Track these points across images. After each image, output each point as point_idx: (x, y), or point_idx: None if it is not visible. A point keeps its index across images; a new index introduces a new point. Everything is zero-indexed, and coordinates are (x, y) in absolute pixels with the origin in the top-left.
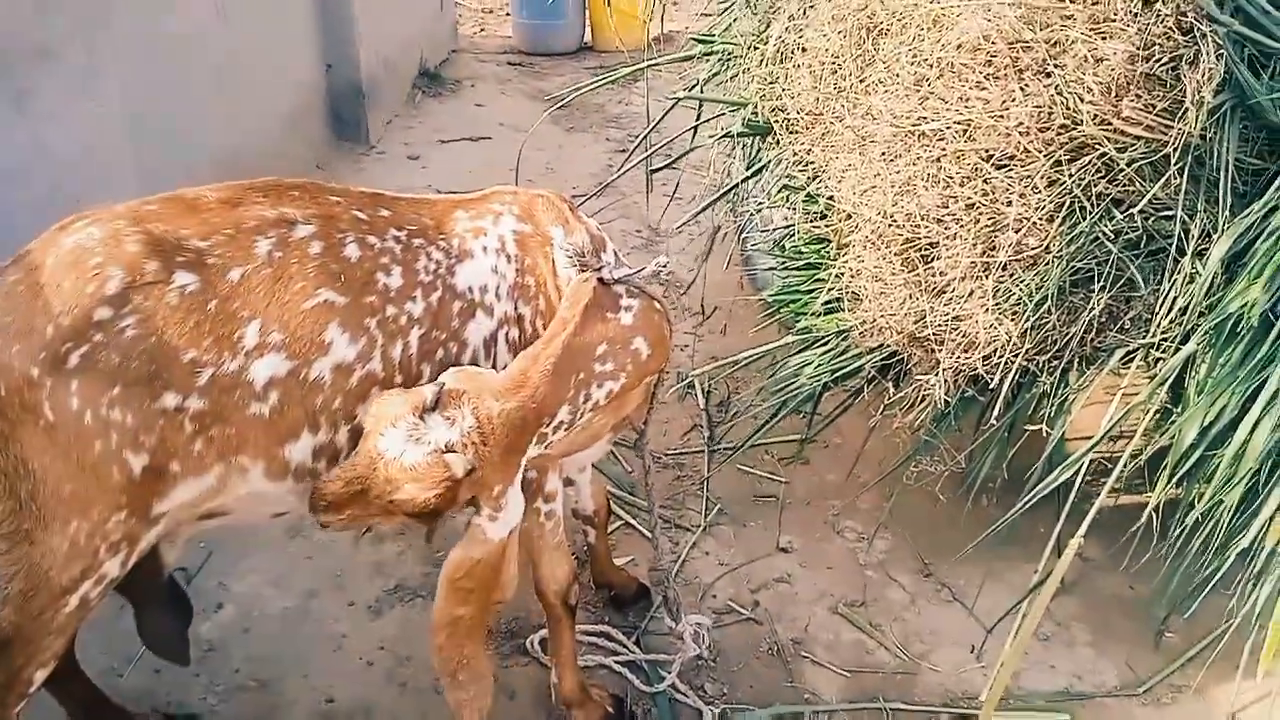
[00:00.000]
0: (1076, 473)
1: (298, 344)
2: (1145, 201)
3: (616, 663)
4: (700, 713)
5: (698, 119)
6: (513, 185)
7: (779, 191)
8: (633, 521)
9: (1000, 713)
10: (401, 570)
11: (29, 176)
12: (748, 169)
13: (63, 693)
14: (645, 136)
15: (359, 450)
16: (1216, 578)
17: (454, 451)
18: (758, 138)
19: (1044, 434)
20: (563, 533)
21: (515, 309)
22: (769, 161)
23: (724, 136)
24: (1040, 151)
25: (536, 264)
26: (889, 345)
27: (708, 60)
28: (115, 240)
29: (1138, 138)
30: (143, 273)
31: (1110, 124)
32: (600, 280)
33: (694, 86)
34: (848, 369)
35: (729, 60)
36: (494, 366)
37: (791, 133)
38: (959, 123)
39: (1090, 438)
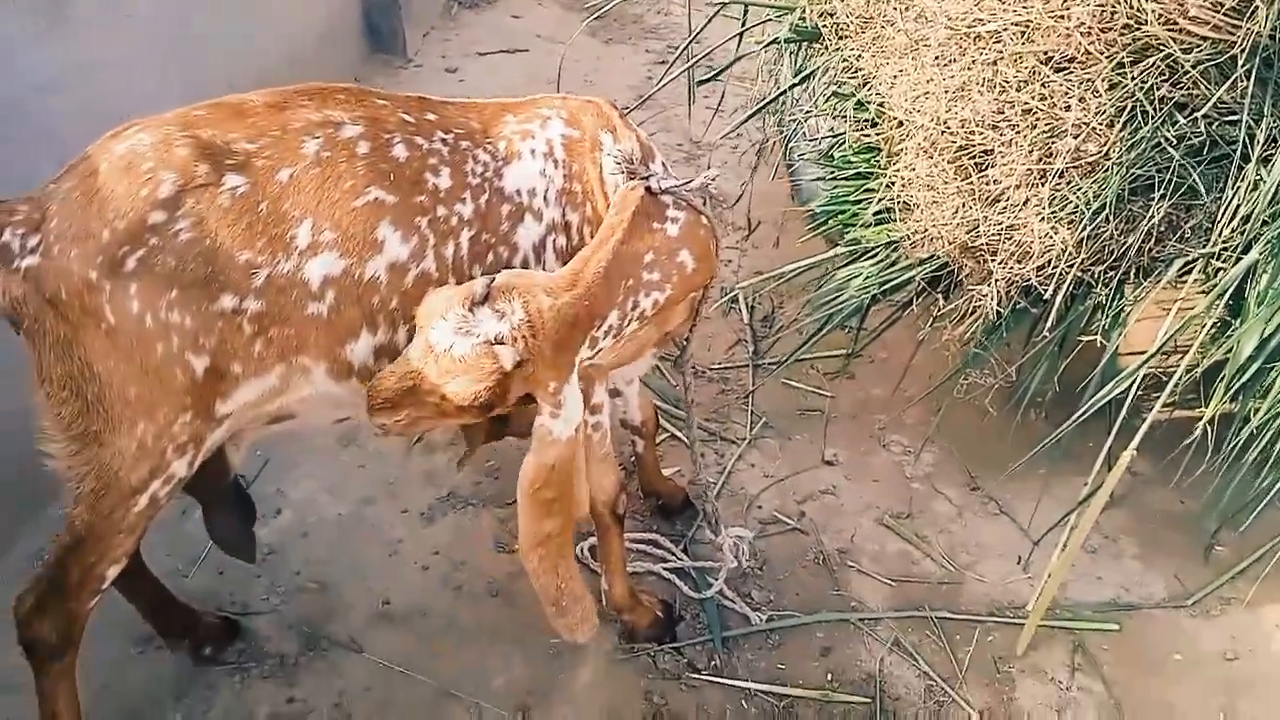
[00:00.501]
0: (1129, 387)
1: (350, 242)
2: (1210, 105)
3: (665, 569)
4: (747, 618)
5: (743, 25)
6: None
7: (827, 100)
8: (678, 434)
9: (1047, 622)
10: (453, 479)
11: (66, 87)
12: (795, 77)
13: (130, 590)
14: (686, 46)
15: (410, 346)
16: (1272, 492)
17: (503, 344)
18: (805, 44)
19: (1099, 346)
20: (610, 444)
21: (563, 215)
22: (817, 68)
23: (771, 43)
24: (1102, 53)
25: (584, 170)
26: (940, 256)
27: None
28: (166, 145)
29: (1204, 38)
30: (194, 176)
31: (1176, 23)
32: (648, 190)
33: None
34: (896, 281)
35: None
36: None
37: (841, 38)
38: (1017, 24)
39: (1143, 352)
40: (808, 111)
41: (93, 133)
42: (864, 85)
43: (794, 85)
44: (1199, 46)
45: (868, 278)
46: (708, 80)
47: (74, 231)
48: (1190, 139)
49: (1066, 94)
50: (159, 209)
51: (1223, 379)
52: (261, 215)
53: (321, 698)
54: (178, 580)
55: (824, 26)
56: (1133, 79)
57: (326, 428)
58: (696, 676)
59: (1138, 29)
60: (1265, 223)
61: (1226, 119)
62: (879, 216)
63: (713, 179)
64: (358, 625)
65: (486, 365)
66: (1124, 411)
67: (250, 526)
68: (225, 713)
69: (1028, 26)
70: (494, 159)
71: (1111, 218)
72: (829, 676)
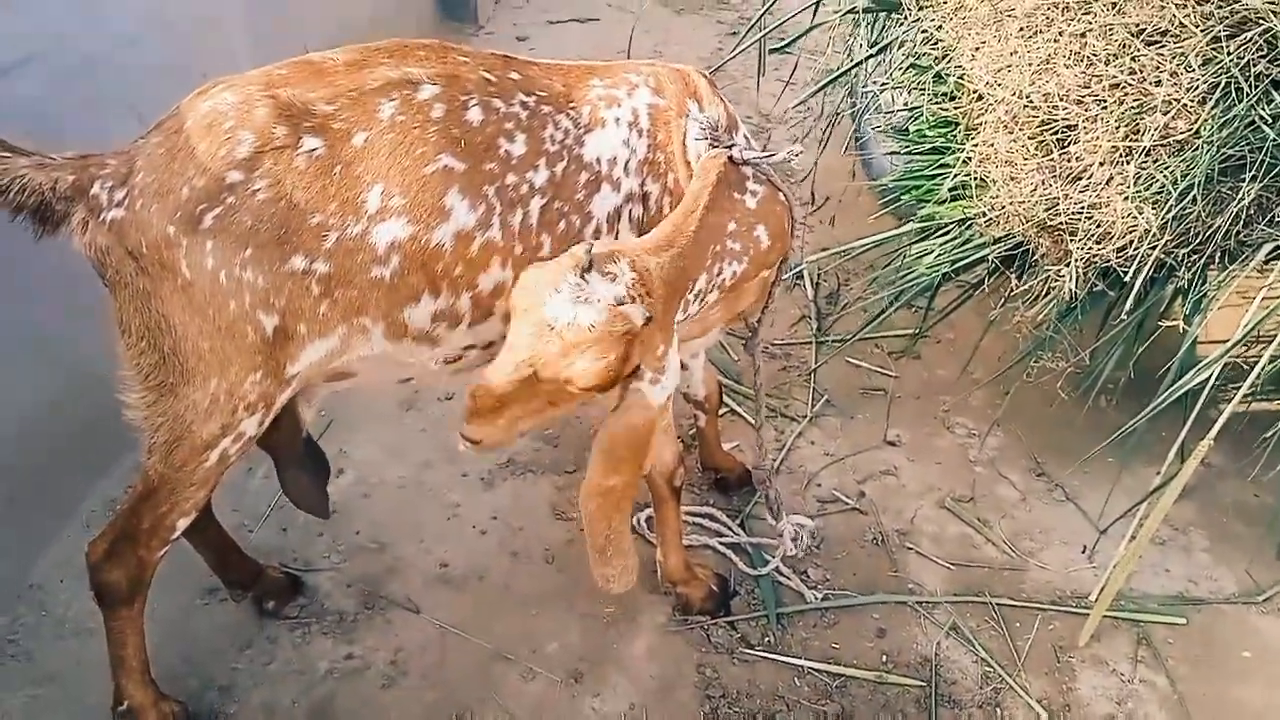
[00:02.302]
0: (1208, 378)
1: (418, 209)
2: None
3: (721, 544)
4: (802, 596)
5: None
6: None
7: (905, 71)
8: (738, 409)
9: (1111, 613)
10: (513, 445)
11: (147, 42)
12: (871, 48)
13: (200, 540)
14: (760, 16)
15: (513, 334)
16: None
17: (624, 305)
18: (884, 14)
19: (1180, 332)
20: (671, 417)
21: (642, 186)
22: (895, 40)
23: (848, 12)
24: (1197, 26)
25: (669, 140)
26: (1015, 234)
27: None
28: (247, 105)
29: None
30: (272, 137)
31: None
32: (730, 159)
33: None
34: (968, 260)
35: None
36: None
37: (922, 8)
38: None
39: (1223, 341)
40: (882, 84)
41: (172, 88)
42: (944, 57)
43: (870, 56)
44: None
45: (939, 255)
46: (780, 49)
47: (156, 186)
48: None
49: (1157, 68)
50: (236, 168)
51: None
52: (335, 178)
53: (378, 655)
54: (243, 535)
55: None
56: (1228, 54)
57: (389, 390)
58: (750, 652)
59: (1235, 2)
60: None
61: None
62: (953, 193)
63: (796, 154)
64: (415, 586)
65: (618, 328)
66: (1201, 402)
67: (324, 483)
68: (285, 665)
69: None
70: (576, 126)
71: (1199, 199)
72: (884, 658)
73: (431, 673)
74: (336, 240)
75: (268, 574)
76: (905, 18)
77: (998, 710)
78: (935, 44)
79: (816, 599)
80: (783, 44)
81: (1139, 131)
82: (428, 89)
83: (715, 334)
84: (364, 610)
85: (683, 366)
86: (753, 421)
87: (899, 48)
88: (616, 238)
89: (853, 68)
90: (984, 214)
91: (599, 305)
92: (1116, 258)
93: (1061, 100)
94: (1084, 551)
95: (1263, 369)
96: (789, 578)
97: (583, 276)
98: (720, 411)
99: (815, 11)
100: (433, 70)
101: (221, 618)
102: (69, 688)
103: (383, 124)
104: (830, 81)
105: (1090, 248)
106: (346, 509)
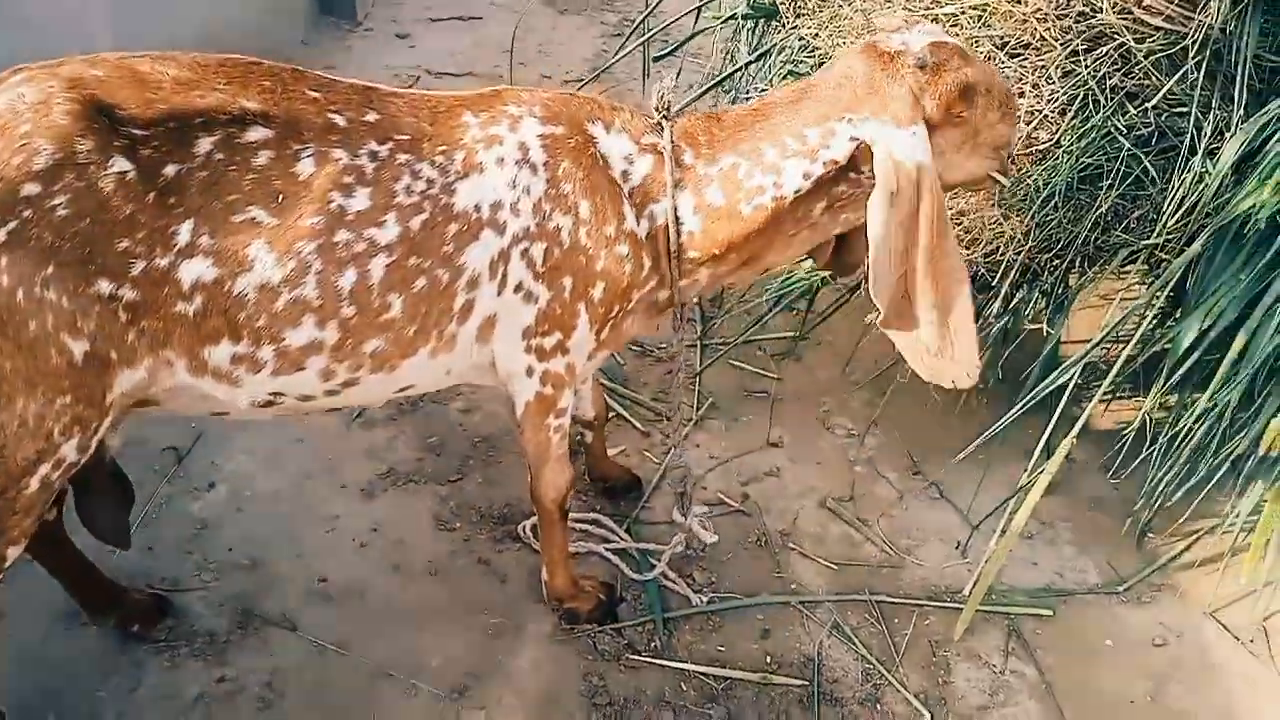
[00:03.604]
0: (1071, 377)
1: (223, 255)
2: (1160, 96)
3: (607, 549)
4: (688, 599)
5: (700, 1)
6: (514, 83)
7: (784, 78)
8: (624, 413)
9: (983, 607)
10: (393, 455)
11: (2, 42)
12: (751, 54)
13: (53, 564)
14: (643, 20)
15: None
16: (1210, 484)
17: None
18: (763, 21)
19: (1044, 335)
20: (566, 444)
21: (543, 222)
22: (774, 46)
23: (728, 19)
24: (1057, 40)
25: (577, 167)
26: None
27: None
28: (46, 107)
29: (1157, 28)
30: (75, 152)
31: (1130, 13)
32: None
33: None
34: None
35: None
36: (502, 288)
37: (798, 16)
38: (974, 7)
39: (1084, 342)
40: (763, 89)
41: None
42: (820, 64)
43: (750, 63)
44: (1152, 36)
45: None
46: (664, 56)
47: None
48: (1140, 129)
49: (1020, 80)
50: (34, 180)
51: (1162, 370)
52: (147, 205)
53: (253, 677)
54: (104, 555)
55: (782, 4)
56: (1086, 67)
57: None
58: (636, 658)
59: (1092, 17)
60: (1209, 215)
61: (1175, 110)
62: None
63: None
64: (292, 603)
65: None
66: (1064, 400)
67: (126, 513)
68: (152, 692)
69: (985, 10)
70: (444, 174)
71: (1060, 206)
72: (768, 659)
73: (310, 693)
74: (143, 270)
75: (131, 595)
76: (784, 24)
77: (878, 706)
78: (813, 51)
79: (702, 602)
80: (666, 51)
81: None
82: (257, 131)
83: (606, 354)
84: (237, 630)
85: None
86: (640, 427)
87: (779, 54)
88: (505, 283)
89: (734, 73)
90: None
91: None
92: (984, 263)
93: None
94: (958, 548)
95: (1121, 368)
96: (675, 582)
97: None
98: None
99: (697, 17)
100: (271, 108)
101: (82, 644)
102: None
103: (198, 159)
104: (712, 87)
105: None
106: (218, 524)
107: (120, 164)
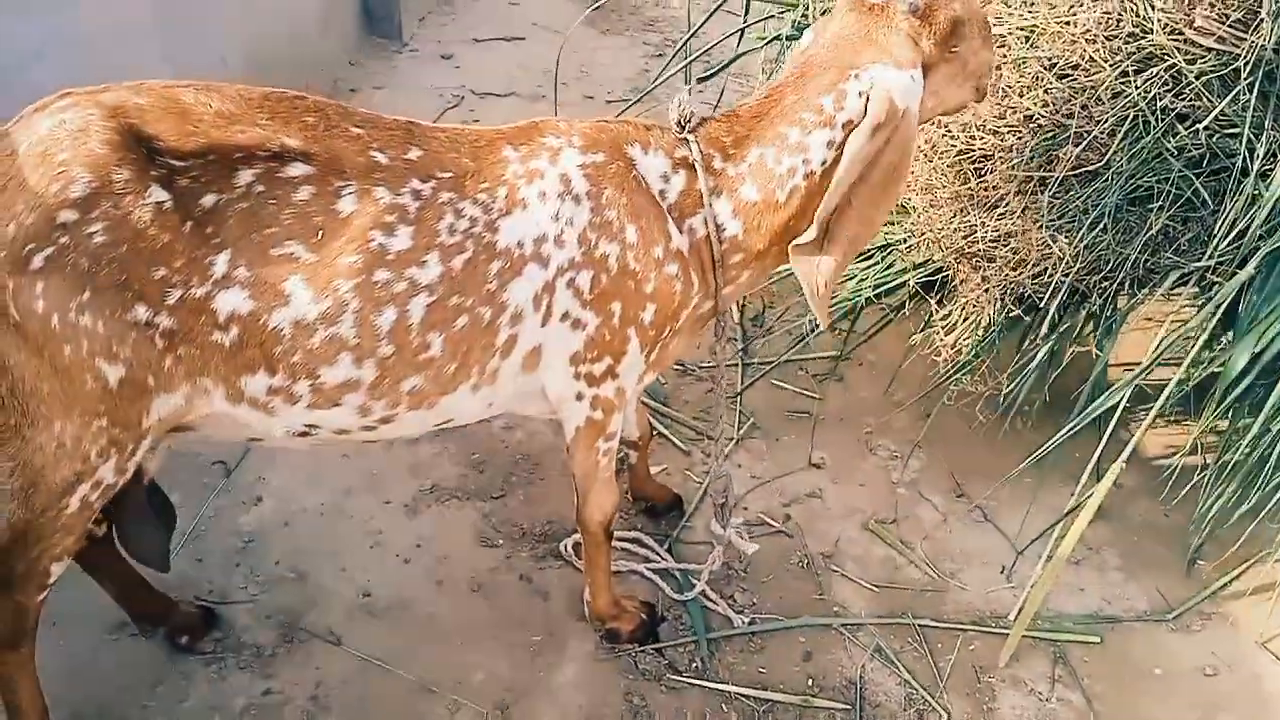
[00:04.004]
0: (1120, 400)
1: (260, 287)
2: (1211, 118)
3: (649, 569)
4: (729, 620)
5: (745, 22)
6: (557, 103)
7: None
8: (665, 432)
9: (1029, 633)
10: (437, 471)
11: (53, 57)
12: None
13: (103, 576)
14: (686, 41)
15: None
16: (1262, 511)
17: None
18: None
19: (1093, 357)
20: (614, 466)
21: (589, 251)
22: None
23: (772, 40)
24: (1106, 61)
25: (621, 193)
26: (935, 260)
27: None
28: (84, 135)
29: (1208, 49)
30: (111, 181)
31: (1181, 34)
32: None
33: None
34: (889, 284)
35: None
36: (547, 319)
37: None
38: (1022, 28)
39: (1134, 364)
40: None
41: None
42: None
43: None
44: (1203, 58)
45: (861, 280)
46: (708, 78)
47: None
48: (1190, 151)
49: (1069, 101)
50: (70, 208)
51: (1214, 394)
52: (183, 235)
53: (298, 690)
54: None
55: None
56: (1136, 88)
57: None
58: (677, 678)
59: (1143, 38)
60: (1261, 237)
61: (1227, 132)
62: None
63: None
64: (337, 617)
65: None
66: (1113, 423)
67: (166, 536)
68: (200, 703)
69: (1033, 32)
70: (487, 212)
71: (1109, 228)
72: (810, 681)
73: (353, 707)
74: (180, 298)
75: (180, 607)
76: None
77: None
78: None
79: (743, 623)
80: (709, 73)
81: (1052, 162)
82: (298, 167)
83: (654, 374)
84: (283, 643)
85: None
86: (681, 446)
87: None
88: (550, 314)
89: None
90: (904, 240)
91: None
92: (1032, 284)
93: (978, 130)
94: (1002, 572)
95: (1171, 391)
96: (716, 602)
97: None
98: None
99: (740, 38)
100: (314, 146)
101: (131, 655)
102: None
103: (238, 191)
104: None
105: (1007, 274)
106: (265, 538)
107: (157, 194)
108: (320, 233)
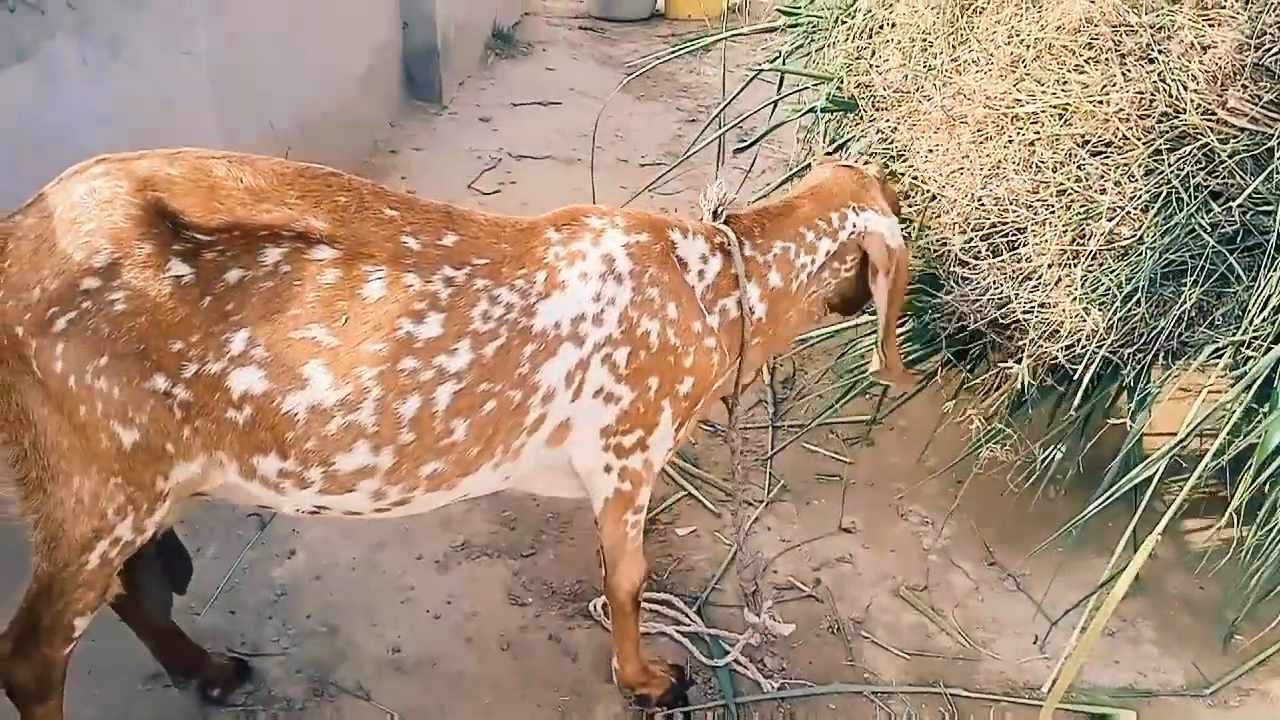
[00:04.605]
0: (1155, 472)
1: (277, 368)
2: (1245, 196)
3: (678, 632)
4: (759, 685)
5: (779, 93)
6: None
7: None
8: (695, 493)
9: (1063, 705)
10: (468, 527)
11: (117, 122)
12: (829, 145)
13: (138, 626)
14: (721, 110)
15: None
16: None
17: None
18: (841, 114)
19: (1127, 428)
20: (641, 537)
21: (630, 329)
22: (852, 138)
23: (807, 111)
24: (1139, 139)
25: (663, 272)
26: (968, 330)
27: (789, 32)
28: (110, 207)
29: (1241, 129)
30: (132, 253)
31: (1214, 114)
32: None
33: (775, 59)
34: (922, 352)
35: (813, 33)
36: (578, 395)
37: (878, 109)
38: (1055, 106)
39: (1168, 434)
40: None
41: None
42: (898, 158)
43: (830, 154)
44: (1236, 137)
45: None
46: (744, 149)
47: (16, 279)
48: (1224, 227)
49: (1102, 177)
50: (93, 275)
51: (1249, 467)
52: (202, 310)
53: None
54: (188, 618)
55: (860, 98)
56: (1169, 165)
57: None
58: None
59: (1175, 117)
60: None
61: (1261, 209)
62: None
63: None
64: (367, 672)
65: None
66: (1148, 494)
67: (168, 585)
68: None
69: (1066, 110)
70: (524, 297)
71: (1143, 301)
72: None
73: None
74: (196, 372)
75: (213, 659)
76: (862, 117)
77: None
78: (891, 144)
79: (773, 689)
80: (747, 144)
81: (1085, 236)
82: (324, 250)
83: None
84: (313, 697)
85: None
86: (711, 508)
87: (857, 144)
88: (581, 390)
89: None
90: (938, 309)
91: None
92: (1065, 355)
93: (1012, 204)
94: (1035, 642)
95: (1206, 464)
96: (746, 667)
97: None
98: (677, 494)
99: (774, 109)
100: (343, 228)
101: (164, 705)
102: None
103: (264, 269)
104: (790, 178)
105: (1040, 345)
106: (297, 591)
107: (177, 268)
108: (345, 318)
